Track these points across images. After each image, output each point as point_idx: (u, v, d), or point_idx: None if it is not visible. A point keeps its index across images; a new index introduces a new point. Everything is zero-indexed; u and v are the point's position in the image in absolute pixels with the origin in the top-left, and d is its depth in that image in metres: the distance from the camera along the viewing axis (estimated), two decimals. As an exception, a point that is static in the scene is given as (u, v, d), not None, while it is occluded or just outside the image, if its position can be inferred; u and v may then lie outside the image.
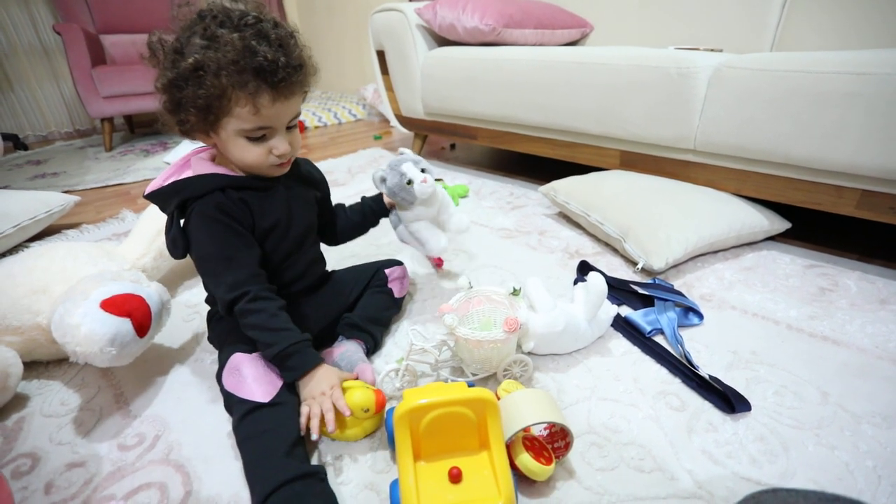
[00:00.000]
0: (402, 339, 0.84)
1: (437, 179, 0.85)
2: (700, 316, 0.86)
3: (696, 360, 0.75)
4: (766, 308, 0.89)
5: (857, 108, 0.89)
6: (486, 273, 1.06)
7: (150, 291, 0.73)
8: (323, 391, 0.61)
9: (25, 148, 2.48)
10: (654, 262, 0.98)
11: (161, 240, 0.91)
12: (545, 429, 0.61)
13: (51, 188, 1.74)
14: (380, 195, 0.89)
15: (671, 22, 1.61)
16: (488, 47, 1.58)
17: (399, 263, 0.91)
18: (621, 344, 0.81)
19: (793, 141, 0.99)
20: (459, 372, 0.74)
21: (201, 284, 0.70)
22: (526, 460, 0.54)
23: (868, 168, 0.92)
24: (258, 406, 0.59)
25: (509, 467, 0.52)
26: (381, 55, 1.87)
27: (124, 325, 0.65)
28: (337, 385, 0.62)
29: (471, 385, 0.57)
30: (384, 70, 1.89)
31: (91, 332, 0.63)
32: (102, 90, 2.19)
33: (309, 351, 0.64)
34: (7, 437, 0.67)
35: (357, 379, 0.67)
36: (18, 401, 0.73)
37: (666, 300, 0.86)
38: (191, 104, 0.56)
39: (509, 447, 0.55)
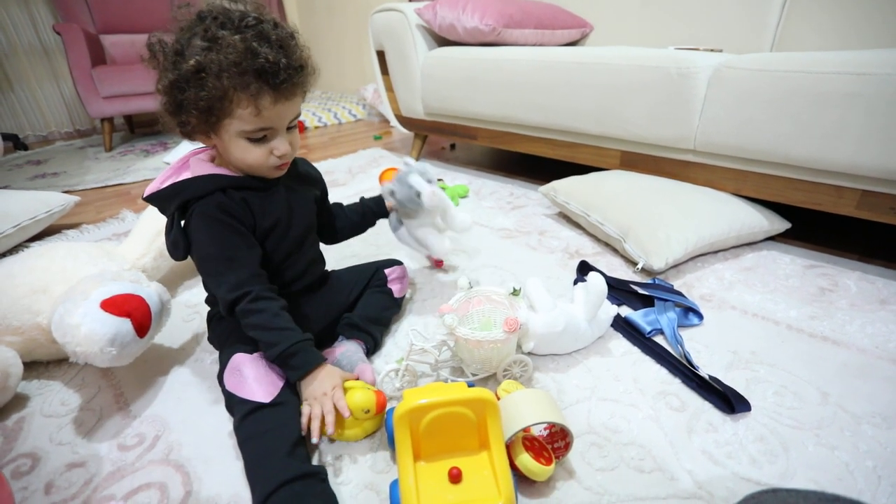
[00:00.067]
0: (402, 339, 0.84)
1: (437, 180, 0.86)
2: (700, 316, 0.86)
3: (695, 360, 0.75)
4: (766, 308, 0.89)
5: (857, 108, 0.89)
6: (486, 273, 1.06)
7: (150, 291, 0.74)
8: (325, 391, 0.61)
9: (25, 148, 2.48)
10: (653, 263, 0.98)
11: (161, 240, 0.91)
12: (545, 429, 0.61)
13: (51, 188, 1.74)
14: (380, 197, 0.90)
15: (671, 22, 1.61)
16: (488, 47, 1.58)
17: (399, 263, 0.91)
18: (621, 344, 0.81)
19: (793, 141, 0.99)
20: (459, 372, 0.75)
21: (201, 284, 0.71)
22: (526, 460, 0.54)
23: (868, 168, 0.92)
24: (259, 406, 0.59)
25: (509, 467, 0.52)
26: (381, 55, 1.87)
27: (124, 325, 0.66)
28: (339, 385, 0.62)
29: (471, 385, 0.57)
30: (384, 70, 1.89)
31: (91, 332, 0.63)
32: (102, 90, 2.19)
33: (311, 350, 0.64)
34: (7, 437, 0.67)
35: (358, 379, 0.67)
36: (18, 401, 0.73)
37: (666, 300, 0.86)
38: (192, 106, 0.56)
39: (509, 447, 0.55)
